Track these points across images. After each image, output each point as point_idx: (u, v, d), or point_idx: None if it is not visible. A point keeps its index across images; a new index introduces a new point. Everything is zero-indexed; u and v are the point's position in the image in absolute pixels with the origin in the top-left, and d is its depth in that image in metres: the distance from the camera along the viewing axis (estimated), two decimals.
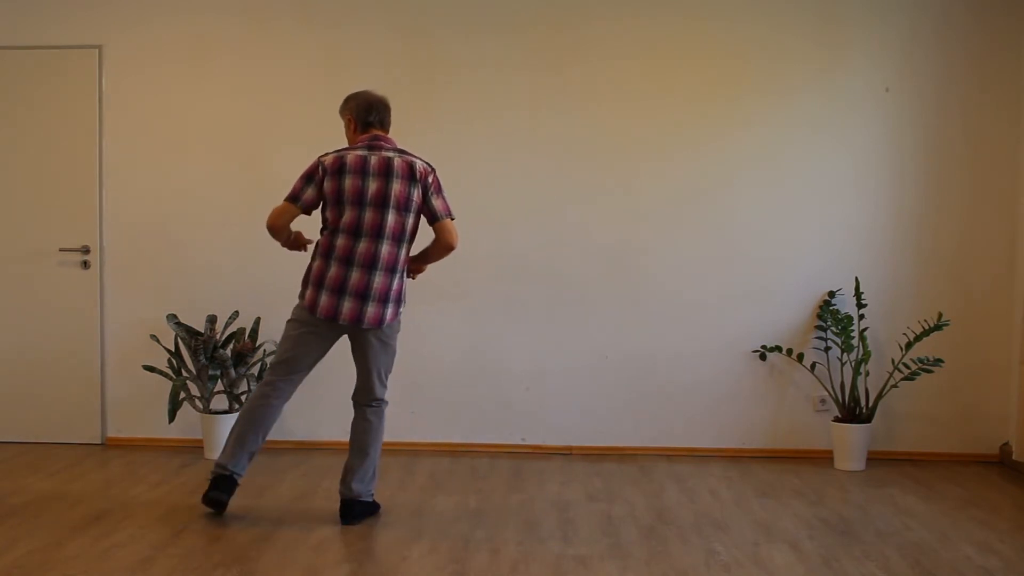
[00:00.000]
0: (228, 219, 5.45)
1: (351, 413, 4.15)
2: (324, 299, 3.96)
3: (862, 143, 5.32)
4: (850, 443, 5.10)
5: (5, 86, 5.51)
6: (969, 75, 5.27)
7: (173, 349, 5.29)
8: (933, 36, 5.27)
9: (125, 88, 5.48)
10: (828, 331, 5.28)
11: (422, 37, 5.39)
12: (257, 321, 5.34)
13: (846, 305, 5.30)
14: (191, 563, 3.56)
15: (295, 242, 4.17)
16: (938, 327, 5.08)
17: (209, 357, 5.15)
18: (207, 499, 4.07)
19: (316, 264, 4.00)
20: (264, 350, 5.34)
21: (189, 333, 5.18)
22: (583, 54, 5.36)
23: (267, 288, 5.34)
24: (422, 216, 4.05)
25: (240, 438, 4.05)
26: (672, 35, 5.35)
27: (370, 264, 3.93)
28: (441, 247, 4.05)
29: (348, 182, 3.93)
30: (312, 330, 4.02)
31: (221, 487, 4.05)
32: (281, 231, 4.03)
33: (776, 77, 5.32)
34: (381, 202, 3.92)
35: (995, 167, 5.28)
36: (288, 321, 4.10)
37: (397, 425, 5.09)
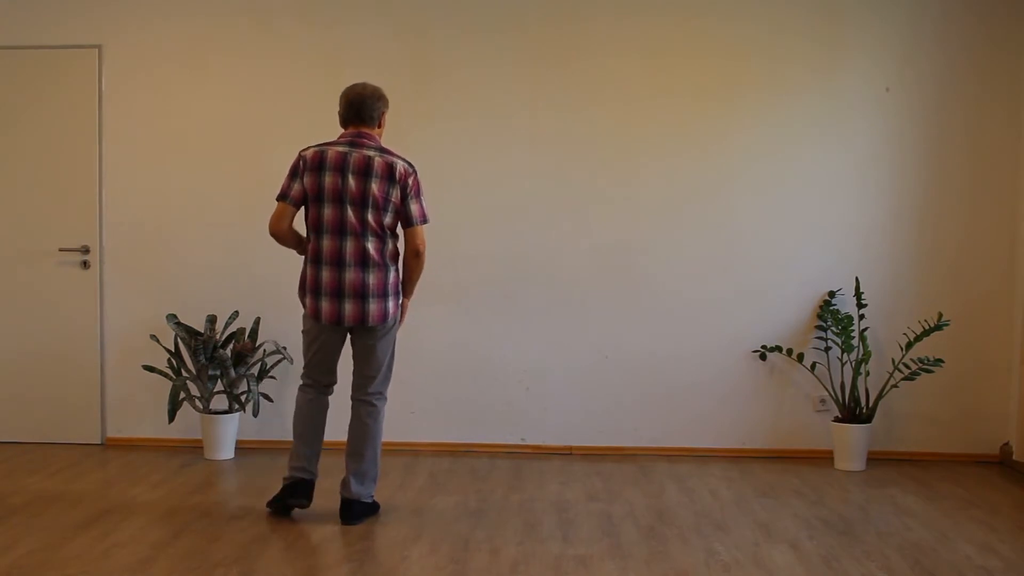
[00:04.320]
0: (228, 219, 5.45)
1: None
2: (325, 305, 3.96)
3: (862, 143, 5.32)
4: (850, 443, 5.10)
5: (5, 86, 5.50)
6: (969, 74, 5.26)
7: (173, 349, 5.29)
8: (933, 36, 5.27)
9: (125, 88, 5.48)
10: (828, 331, 5.28)
11: (422, 36, 5.39)
12: (257, 321, 5.33)
13: (846, 305, 5.30)
14: (191, 563, 3.57)
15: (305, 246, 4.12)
16: (938, 327, 5.08)
17: (209, 357, 5.15)
18: (278, 506, 4.14)
19: (309, 271, 4.00)
20: (264, 350, 5.34)
21: (189, 333, 5.18)
22: (583, 53, 5.35)
23: (267, 288, 5.34)
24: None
25: (299, 439, 4.16)
26: (672, 34, 5.35)
27: (360, 262, 3.93)
28: (408, 251, 4.03)
29: (328, 179, 3.92)
30: (324, 336, 4.07)
31: (297, 492, 4.13)
32: (284, 235, 4.01)
33: (776, 77, 5.32)
34: (360, 201, 3.91)
35: (995, 167, 5.28)
36: (302, 331, 4.15)
37: (397, 425, 5.09)
